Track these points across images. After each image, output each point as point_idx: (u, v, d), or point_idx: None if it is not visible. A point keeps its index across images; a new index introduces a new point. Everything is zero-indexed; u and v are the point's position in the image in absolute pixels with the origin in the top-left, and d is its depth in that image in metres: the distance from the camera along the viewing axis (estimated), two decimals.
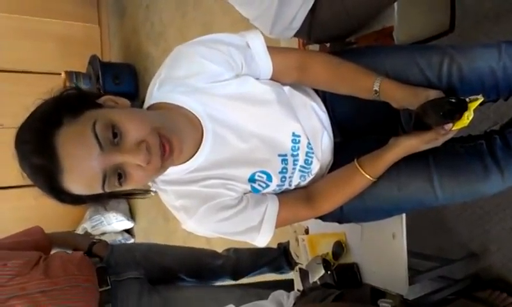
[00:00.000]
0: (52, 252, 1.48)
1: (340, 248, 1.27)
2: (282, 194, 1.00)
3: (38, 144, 0.74)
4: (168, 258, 1.64)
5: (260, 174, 0.95)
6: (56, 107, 0.77)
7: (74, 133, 0.73)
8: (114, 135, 0.74)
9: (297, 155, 0.98)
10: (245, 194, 0.95)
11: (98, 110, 0.78)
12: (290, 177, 0.99)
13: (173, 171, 0.89)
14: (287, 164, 0.97)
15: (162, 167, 0.80)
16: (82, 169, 0.73)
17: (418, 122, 0.86)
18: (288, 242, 1.75)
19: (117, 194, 0.83)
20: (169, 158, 0.79)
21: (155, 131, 0.77)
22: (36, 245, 1.39)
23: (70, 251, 1.49)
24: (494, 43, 0.90)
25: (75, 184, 0.75)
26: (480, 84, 0.89)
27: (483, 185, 0.89)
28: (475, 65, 0.89)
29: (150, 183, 0.93)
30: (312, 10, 1.14)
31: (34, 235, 1.44)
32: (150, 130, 0.76)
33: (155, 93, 0.89)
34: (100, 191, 0.77)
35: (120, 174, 0.76)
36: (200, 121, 0.88)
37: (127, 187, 0.79)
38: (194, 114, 0.88)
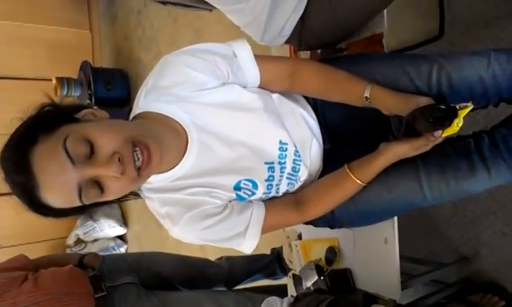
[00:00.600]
0: None
1: (333, 253, 1.27)
2: (270, 200, 1.01)
3: (16, 161, 0.76)
4: (161, 266, 1.63)
5: (246, 183, 0.95)
6: (32, 125, 0.79)
7: (46, 149, 0.75)
8: (88, 149, 0.75)
9: (285, 162, 0.98)
10: (230, 201, 0.95)
11: (72, 125, 0.78)
12: (277, 185, 0.99)
13: (158, 179, 0.89)
14: (273, 172, 0.97)
15: (142, 176, 0.80)
16: (56, 185, 0.75)
17: (408, 128, 0.86)
18: (281, 247, 1.75)
19: (104, 202, 0.83)
20: (148, 166, 0.78)
21: (128, 141, 0.77)
22: (22, 270, 1.37)
23: None
24: (483, 51, 0.91)
25: (53, 199, 0.76)
26: (469, 92, 0.90)
27: (469, 182, 0.90)
28: (464, 73, 0.90)
29: (137, 190, 0.93)
30: (302, 17, 1.14)
31: (19, 262, 1.42)
32: (122, 141, 0.76)
33: (141, 102, 0.90)
34: (79, 204, 0.78)
35: (100, 186, 0.77)
36: (185, 130, 0.88)
37: (108, 198, 0.79)
38: (179, 123, 0.88)
